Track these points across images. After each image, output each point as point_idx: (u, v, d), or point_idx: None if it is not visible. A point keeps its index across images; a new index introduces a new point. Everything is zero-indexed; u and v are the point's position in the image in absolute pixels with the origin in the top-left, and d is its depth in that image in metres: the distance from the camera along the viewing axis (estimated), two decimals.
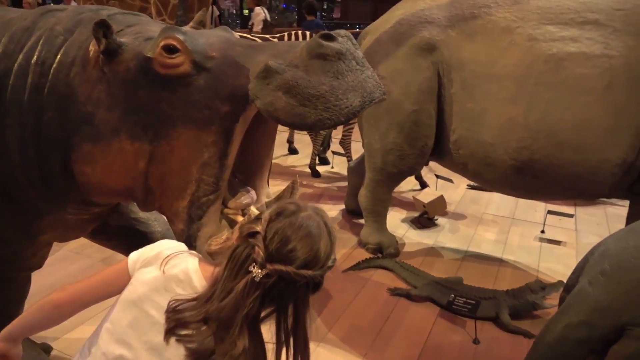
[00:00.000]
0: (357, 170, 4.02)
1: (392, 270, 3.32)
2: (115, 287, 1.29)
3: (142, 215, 2.38)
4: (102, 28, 1.59)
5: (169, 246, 1.31)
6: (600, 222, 4.30)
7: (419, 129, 3.11)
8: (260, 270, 1.04)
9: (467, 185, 5.02)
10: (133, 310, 1.22)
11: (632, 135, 2.58)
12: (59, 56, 1.70)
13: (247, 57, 1.63)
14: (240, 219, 2.00)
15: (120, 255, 3.42)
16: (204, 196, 1.70)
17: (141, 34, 1.73)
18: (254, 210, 2.05)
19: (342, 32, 1.60)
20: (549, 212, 4.03)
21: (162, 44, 1.59)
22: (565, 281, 2.91)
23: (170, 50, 1.59)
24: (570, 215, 4.05)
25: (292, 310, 1.10)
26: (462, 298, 2.76)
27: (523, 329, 2.72)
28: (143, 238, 2.36)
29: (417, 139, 3.14)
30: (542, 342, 1.34)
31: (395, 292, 3.08)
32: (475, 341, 2.65)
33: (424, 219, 4.12)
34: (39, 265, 2.15)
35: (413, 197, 4.21)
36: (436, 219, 4.18)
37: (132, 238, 2.36)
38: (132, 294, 1.24)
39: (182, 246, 1.32)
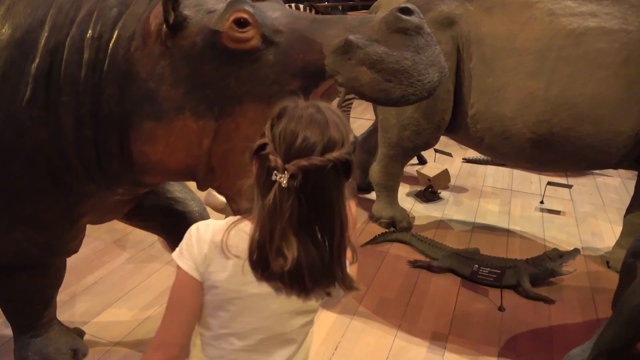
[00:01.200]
0: (360, 146, 4.04)
1: (409, 244, 3.39)
2: (197, 302, 1.14)
3: (179, 194, 2.34)
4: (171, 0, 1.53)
5: (206, 230, 1.13)
6: (592, 192, 4.50)
7: (436, 103, 3.14)
8: (283, 174, 0.97)
9: (463, 159, 5.13)
10: (240, 305, 1.13)
11: None
12: (116, 30, 1.62)
13: (316, 31, 1.60)
14: None
15: (134, 236, 3.36)
16: None
17: (201, 6, 1.66)
18: None
19: (411, 5, 1.60)
20: (549, 183, 4.19)
21: (232, 17, 1.54)
22: (572, 249, 3.08)
23: (240, 23, 1.55)
24: (569, 186, 4.22)
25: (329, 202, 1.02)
26: (486, 268, 2.86)
27: (543, 295, 2.85)
28: (181, 218, 2.32)
29: (434, 113, 3.18)
30: (629, 305, 1.41)
31: (416, 264, 3.16)
32: (501, 308, 2.77)
33: (429, 193, 4.21)
34: (76, 250, 2.08)
35: (417, 171, 4.28)
36: (439, 193, 4.27)
37: (169, 218, 2.32)
38: (228, 293, 1.12)
39: (209, 221, 1.16)
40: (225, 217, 3.60)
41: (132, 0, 1.67)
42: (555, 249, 3.02)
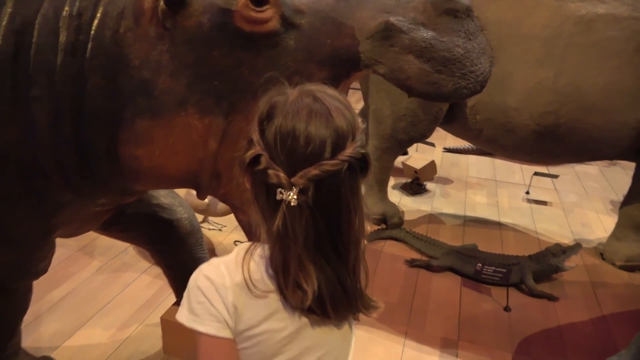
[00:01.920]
0: None
1: (404, 241, 3.22)
2: None
3: (165, 200, 2.03)
4: None
5: (219, 274, 0.89)
6: (573, 181, 4.49)
7: None
8: (290, 192, 0.77)
9: (444, 149, 5.01)
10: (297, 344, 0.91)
11: None
12: (101, 7, 1.30)
13: (344, 12, 1.34)
14: None
15: (103, 242, 2.99)
16: None
17: None
18: None
19: None
20: (535, 173, 4.12)
21: None
22: (574, 243, 3.01)
23: (257, 1, 1.27)
24: (555, 176, 4.17)
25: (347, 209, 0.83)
26: (490, 267, 2.72)
27: (547, 292, 2.75)
28: (169, 227, 2.02)
29: (432, 104, 2.99)
30: None
31: (414, 263, 2.99)
32: (507, 308, 2.64)
33: (415, 185, 4.05)
34: (45, 270, 1.76)
35: (402, 162, 4.10)
36: (425, 185, 4.13)
37: (155, 227, 2.01)
38: (276, 336, 0.89)
39: (214, 262, 0.92)
40: (204, 218, 3.31)
41: None
42: (557, 244, 2.92)
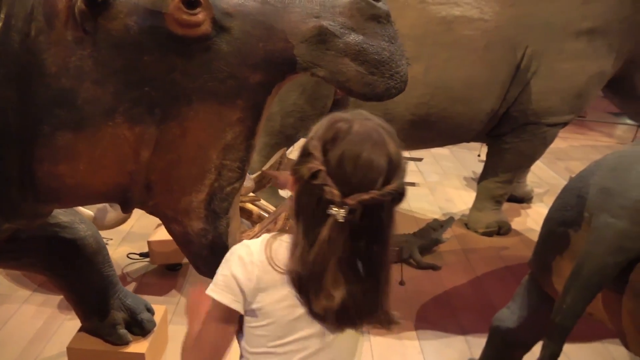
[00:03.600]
0: None
1: None
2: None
3: (64, 218, 1.83)
4: None
5: (254, 250, 1.02)
6: (432, 163, 5.06)
7: (320, 89, 3.09)
8: (341, 210, 0.88)
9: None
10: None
11: (501, 88, 3.10)
12: (4, 7, 1.14)
13: (272, 15, 1.37)
14: (249, 206, 1.75)
15: None
16: (228, 185, 1.43)
17: None
18: (264, 203, 1.82)
19: None
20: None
21: None
22: (448, 217, 3.42)
23: (190, 3, 1.23)
24: (420, 159, 4.65)
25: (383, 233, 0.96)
26: None
27: (432, 263, 3.10)
28: (72, 247, 1.83)
29: (318, 99, 3.12)
30: (587, 269, 1.58)
31: None
32: (402, 283, 2.92)
33: None
34: None
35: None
36: None
37: (56, 250, 1.81)
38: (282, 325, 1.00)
39: (252, 241, 1.05)
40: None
41: None
42: (435, 220, 3.30)
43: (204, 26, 1.27)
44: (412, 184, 4.43)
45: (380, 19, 1.39)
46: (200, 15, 1.25)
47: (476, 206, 3.67)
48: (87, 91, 1.21)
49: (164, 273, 2.82)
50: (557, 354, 1.63)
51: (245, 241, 1.06)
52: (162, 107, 1.29)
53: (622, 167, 1.67)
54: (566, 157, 5.57)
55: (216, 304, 1.01)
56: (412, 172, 4.69)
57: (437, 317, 2.68)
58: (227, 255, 1.05)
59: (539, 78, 3.11)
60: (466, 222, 3.73)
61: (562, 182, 4.80)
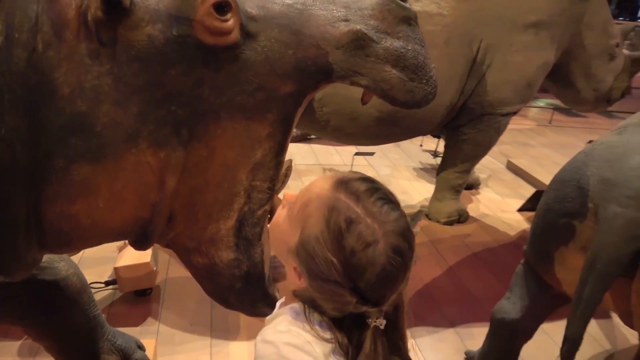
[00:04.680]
0: None
1: None
2: None
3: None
4: None
5: (297, 331, 0.89)
6: (380, 156, 5.10)
7: None
8: (381, 318, 0.86)
9: None
10: None
11: (459, 82, 3.17)
12: (0, 14, 0.91)
13: (298, 20, 1.25)
14: None
15: None
16: (259, 208, 1.30)
17: None
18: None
19: None
20: (356, 153, 4.54)
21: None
22: (417, 211, 3.46)
23: (220, 8, 1.08)
24: (372, 153, 4.66)
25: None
26: None
27: None
28: (54, 290, 1.59)
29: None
30: (601, 259, 1.63)
31: None
32: None
33: None
34: None
35: None
36: None
37: (35, 295, 1.56)
38: None
39: (281, 324, 0.92)
40: None
41: None
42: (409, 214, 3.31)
43: (234, 33, 1.12)
44: None
45: (411, 21, 1.32)
46: (231, 22, 1.10)
47: (436, 197, 3.75)
48: (107, 114, 1.02)
49: (133, 300, 2.56)
50: (579, 343, 1.68)
51: (273, 328, 0.91)
52: (189, 127, 1.13)
53: (616, 158, 1.75)
54: (498, 141, 5.90)
55: None
56: (364, 167, 4.71)
57: (424, 312, 2.69)
58: (269, 352, 0.86)
59: (493, 70, 3.22)
60: (427, 213, 3.80)
61: (501, 166, 5.12)
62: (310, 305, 0.88)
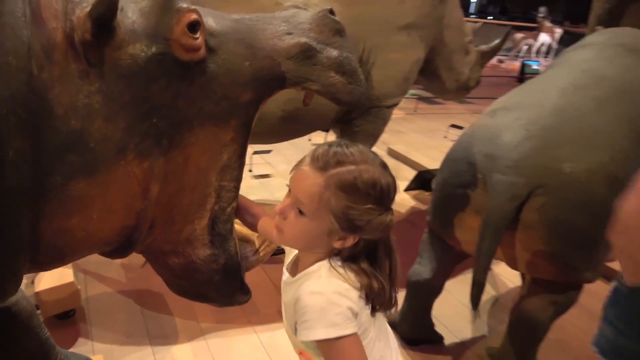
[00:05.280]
0: None
1: None
2: None
3: None
4: None
5: (338, 280, 1.10)
6: (275, 153, 5.29)
7: None
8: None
9: None
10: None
11: None
12: (7, 40, 0.94)
13: (248, 34, 1.42)
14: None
15: None
16: (228, 205, 1.45)
17: None
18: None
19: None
20: (255, 152, 4.68)
21: (185, 20, 1.19)
22: None
23: (193, 27, 1.21)
24: (269, 151, 4.84)
25: None
26: None
27: None
28: (5, 317, 1.51)
29: None
30: (494, 216, 2.02)
31: None
32: None
33: None
34: None
35: None
36: None
37: None
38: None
39: (322, 277, 1.11)
40: None
41: None
42: None
43: (202, 49, 1.25)
44: (267, 176, 4.62)
45: (342, 32, 1.55)
46: (200, 39, 1.23)
47: None
48: (99, 130, 1.09)
49: (56, 324, 2.45)
50: (484, 286, 2.09)
51: (318, 281, 1.10)
52: (169, 137, 1.24)
53: (494, 137, 2.18)
54: None
55: (352, 340, 1.05)
56: (262, 165, 4.87)
57: None
58: (319, 300, 1.05)
59: (377, 68, 3.61)
60: None
61: (383, 153, 5.63)
62: (349, 257, 1.10)
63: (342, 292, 1.05)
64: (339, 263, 1.11)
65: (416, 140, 6.16)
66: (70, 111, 1.04)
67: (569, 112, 2.21)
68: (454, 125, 6.53)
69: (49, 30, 1.01)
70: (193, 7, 1.21)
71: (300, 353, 1.22)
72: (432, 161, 5.32)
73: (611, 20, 4.66)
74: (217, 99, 1.31)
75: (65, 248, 1.13)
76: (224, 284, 1.44)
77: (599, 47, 2.98)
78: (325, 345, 1.04)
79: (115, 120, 1.11)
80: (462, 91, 4.56)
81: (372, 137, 3.96)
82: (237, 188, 1.45)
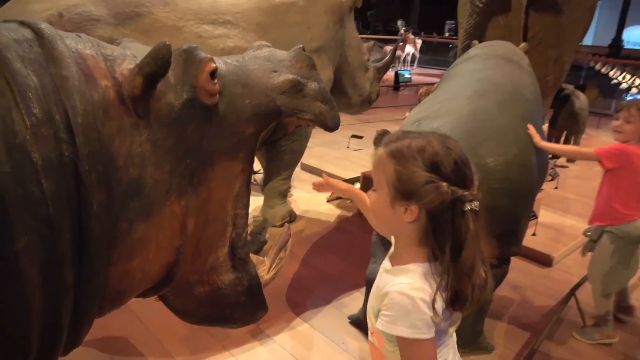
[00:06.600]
0: None
1: None
2: None
3: None
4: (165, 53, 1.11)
5: (427, 288, 1.11)
6: None
7: None
8: (474, 202, 1.07)
9: None
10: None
11: None
12: (78, 102, 1.00)
13: (242, 75, 1.59)
14: None
15: None
16: (243, 231, 1.59)
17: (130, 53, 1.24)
18: None
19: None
20: None
21: (207, 68, 1.31)
22: (263, 219, 3.84)
23: (213, 74, 1.34)
24: None
25: None
26: None
27: None
28: None
29: None
30: None
31: None
32: None
33: None
34: None
35: None
36: None
37: None
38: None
39: (414, 281, 1.12)
40: None
41: (53, 52, 1.03)
42: (255, 225, 3.68)
43: (218, 93, 1.39)
44: None
45: (315, 66, 1.76)
46: (218, 83, 1.37)
47: (268, 205, 4.22)
48: (151, 176, 1.18)
49: None
50: None
51: (410, 284, 1.11)
52: (198, 174, 1.35)
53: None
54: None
55: (429, 345, 1.09)
56: None
57: (300, 300, 3.15)
58: (406, 301, 1.08)
59: None
60: (265, 218, 4.23)
61: (297, 169, 5.87)
62: (429, 230, 1.09)
63: (427, 302, 1.08)
64: (436, 270, 1.11)
65: (324, 153, 6.52)
66: (129, 161, 1.11)
67: (480, 115, 2.65)
68: (354, 136, 7.03)
69: (103, 89, 1.08)
70: (209, 55, 1.34)
71: (372, 333, 1.26)
72: (344, 170, 5.71)
73: (478, 33, 5.48)
74: (228, 135, 1.45)
75: (126, 290, 1.18)
76: (249, 303, 1.55)
77: (481, 58, 3.55)
78: (402, 341, 1.09)
79: (162, 165, 1.19)
80: (365, 104, 4.99)
81: (298, 154, 4.19)
82: (247, 213, 1.58)
